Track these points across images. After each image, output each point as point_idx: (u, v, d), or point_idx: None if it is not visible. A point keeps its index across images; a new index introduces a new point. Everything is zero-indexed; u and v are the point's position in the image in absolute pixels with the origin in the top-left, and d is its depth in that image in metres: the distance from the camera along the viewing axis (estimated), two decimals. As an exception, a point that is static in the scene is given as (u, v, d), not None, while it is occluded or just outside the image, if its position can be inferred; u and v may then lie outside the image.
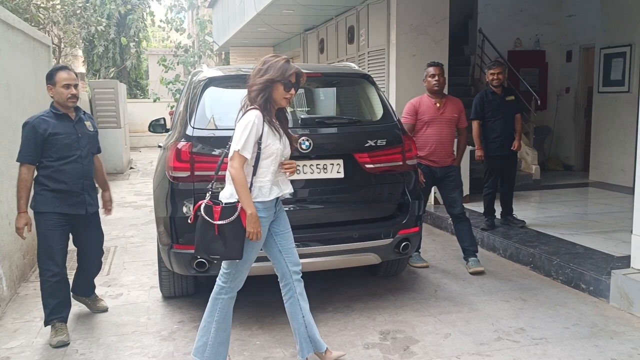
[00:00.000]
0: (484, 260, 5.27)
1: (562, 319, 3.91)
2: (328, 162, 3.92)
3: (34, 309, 4.22)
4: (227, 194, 3.02)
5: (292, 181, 3.80)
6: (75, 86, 3.73)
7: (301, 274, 3.29)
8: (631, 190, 8.10)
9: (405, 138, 4.17)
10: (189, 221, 3.15)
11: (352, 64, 4.98)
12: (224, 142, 3.81)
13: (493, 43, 9.91)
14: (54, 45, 13.38)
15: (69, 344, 3.64)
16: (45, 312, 3.71)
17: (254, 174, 3.01)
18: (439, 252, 5.64)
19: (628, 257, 4.43)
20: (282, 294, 3.32)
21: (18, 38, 5.21)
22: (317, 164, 3.90)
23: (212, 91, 4.05)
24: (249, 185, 2.96)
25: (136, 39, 21.97)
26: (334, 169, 3.93)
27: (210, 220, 2.94)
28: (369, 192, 4.05)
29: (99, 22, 13.21)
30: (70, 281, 3.96)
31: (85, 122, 3.86)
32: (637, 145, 4.12)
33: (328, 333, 3.72)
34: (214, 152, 3.75)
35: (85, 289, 4.17)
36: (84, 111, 3.95)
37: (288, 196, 3.29)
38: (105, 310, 4.19)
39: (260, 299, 4.33)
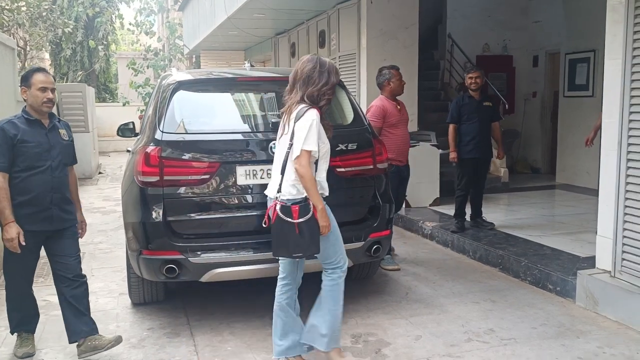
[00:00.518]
0: (455, 262, 5.34)
1: (530, 319, 3.97)
2: (299, 166, 3.91)
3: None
4: (293, 192, 3.11)
5: (261, 186, 3.82)
6: (52, 90, 3.41)
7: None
8: (596, 192, 8.25)
9: (376, 142, 4.19)
10: (264, 225, 3.23)
11: (323, 68, 4.97)
12: (194, 146, 3.81)
13: (462, 48, 10.05)
14: (19, 48, 13.07)
15: (34, 354, 3.53)
16: (10, 324, 3.58)
17: (315, 170, 3.13)
18: (410, 255, 5.68)
19: (593, 258, 4.52)
20: (323, 285, 3.38)
21: (-20, 40, 5.07)
22: (288, 168, 3.88)
23: (181, 95, 4.01)
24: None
25: (105, 42, 21.62)
26: (305, 173, 3.92)
27: (290, 220, 3.04)
28: (340, 195, 4.00)
29: (66, 25, 12.98)
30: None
31: (59, 130, 3.52)
32: (601, 149, 4.20)
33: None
34: (183, 157, 3.72)
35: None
36: (59, 118, 3.64)
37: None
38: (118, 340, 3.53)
39: (232, 304, 4.30)
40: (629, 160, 3.87)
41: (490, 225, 6.02)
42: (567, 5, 8.91)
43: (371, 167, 4.09)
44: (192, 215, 3.78)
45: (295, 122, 3.08)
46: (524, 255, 4.96)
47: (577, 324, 3.85)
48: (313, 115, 3.06)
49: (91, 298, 4.51)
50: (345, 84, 4.57)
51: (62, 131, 3.56)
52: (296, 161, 3.03)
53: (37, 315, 3.69)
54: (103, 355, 3.50)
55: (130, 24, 21.24)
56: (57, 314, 4.19)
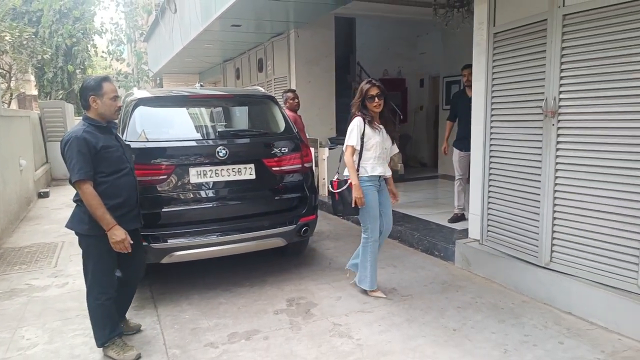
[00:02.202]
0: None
1: (422, 278, 4.00)
2: (242, 166, 3.76)
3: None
4: (344, 173, 3.48)
5: (212, 183, 3.62)
6: (119, 99, 2.84)
7: (389, 232, 3.67)
8: (467, 180, 8.59)
9: (303, 146, 4.09)
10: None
11: (260, 88, 4.81)
12: (154, 151, 3.54)
13: (368, 72, 10.10)
14: (4, 71, 11.92)
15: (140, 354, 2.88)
16: (101, 334, 2.82)
17: (360, 158, 3.40)
18: (332, 232, 5.62)
19: (466, 230, 4.63)
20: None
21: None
22: (232, 168, 3.72)
23: (142, 110, 3.73)
24: (356, 166, 3.40)
25: (82, 67, 20.16)
26: (247, 172, 3.77)
27: (332, 190, 3.50)
28: (276, 189, 3.92)
29: (45, 52, 11.94)
30: None
31: (118, 135, 2.94)
32: (471, 149, 4.29)
33: (245, 304, 3.55)
34: (144, 161, 3.45)
35: (123, 311, 3.12)
36: (115, 123, 2.95)
37: (387, 176, 3.59)
38: (138, 328, 3.18)
39: (189, 280, 4.07)
40: (490, 157, 3.96)
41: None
42: (445, 41, 9.12)
43: (300, 166, 4.00)
44: (153, 209, 3.51)
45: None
46: (417, 230, 5.01)
47: (456, 281, 3.92)
48: (355, 121, 3.40)
49: (68, 280, 4.20)
50: (278, 100, 4.42)
51: (119, 135, 3.01)
52: (345, 152, 3.41)
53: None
54: (77, 327, 3.20)
55: (103, 52, 19.95)
56: (39, 295, 3.83)
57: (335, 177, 3.52)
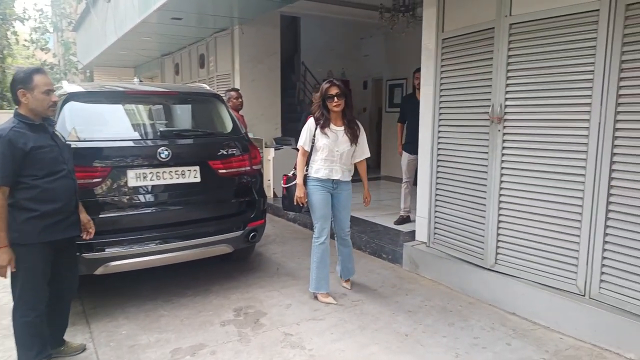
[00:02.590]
0: (310, 239, 5.22)
1: (372, 282, 3.97)
2: (186, 168, 3.51)
3: None
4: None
5: (153, 186, 3.37)
6: (54, 92, 2.54)
7: (347, 234, 3.67)
8: (415, 183, 8.76)
9: (251, 147, 3.91)
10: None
11: (205, 85, 4.57)
12: (86, 152, 3.22)
13: (312, 73, 10.06)
14: None
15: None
16: (27, 356, 2.51)
17: (310, 158, 3.44)
18: (278, 236, 5.48)
19: (412, 232, 4.67)
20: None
21: None
22: (175, 171, 3.47)
23: (72, 105, 3.37)
24: (305, 166, 3.45)
25: (0, 56, 18.46)
26: (192, 175, 3.53)
27: (282, 185, 3.62)
28: (222, 193, 3.72)
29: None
30: None
31: (56, 133, 2.63)
32: (418, 152, 4.32)
33: (189, 315, 3.33)
34: (83, 163, 3.13)
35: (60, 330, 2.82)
36: (53, 121, 2.69)
37: (344, 180, 3.52)
38: (83, 348, 2.88)
39: (126, 291, 3.76)
40: (438, 160, 4.01)
41: None
42: (388, 45, 9.27)
43: (248, 168, 3.81)
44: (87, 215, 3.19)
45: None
46: (364, 233, 5.00)
47: (405, 284, 3.92)
48: (308, 122, 3.44)
49: (-14, 295, 3.73)
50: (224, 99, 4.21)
51: (58, 133, 2.68)
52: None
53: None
54: (-5, 352, 2.82)
55: (25, 40, 18.37)
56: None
57: (291, 172, 3.59)
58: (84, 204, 3.10)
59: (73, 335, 3.04)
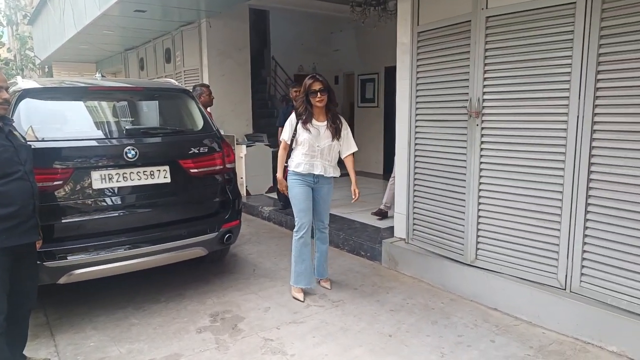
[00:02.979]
0: (289, 239, 5.09)
1: (351, 281, 3.89)
2: (155, 168, 3.32)
3: None
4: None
5: (120, 188, 3.17)
6: (7, 89, 2.38)
7: (326, 227, 3.64)
8: (381, 177, 8.76)
9: (225, 145, 3.75)
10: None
11: (173, 80, 4.36)
12: (45, 153, 2.98)
13: (283, 67, 9.89)
14: None
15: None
16: None
17: (291, 153, 3.44)
18: (254, 235, 5.33)
19: (390, 228, 4.64)
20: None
21: None
22: (144, 171, 3.28)
23: (28, 103, 3.12)
24: (284, 160, 3.47)
25: (-52, 50, 17.36)
26: (161, 175, 3.35)
27: (283, 177, 3.54)
28: (195, 193, 3.54)
29: None
30: None
31: (14, 132, 2.45)
32: (395, 147, 4.27)
33: (162, 323, 3.16)
34: (42, 165, 2.89)
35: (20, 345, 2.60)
36: (10, 119, 2.50)
37: (328, 175, 3.49)
38: None
39: (93, 298, 3.54)
40: (416, 156, 3.95)
41: None
42: (358, 39, 9.21)
43: (221, 167, 3.66)
44: (47, 220, 2.96)
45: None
46: (341, 230, 4.91)
47: (385, 282, 3.86)
48: (290, 116, 3.44)
49: None
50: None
51: (17, 133, 2.47)
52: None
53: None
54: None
55: (-24, 33, 17.35)
56: None
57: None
58: (45, 209, 2.88)
59: (36, 350, 2.83)
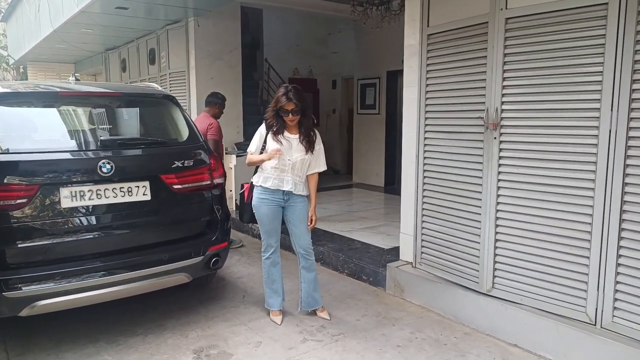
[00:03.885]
0: (283, 260, 4.92)
1: (353, 311, 3.70)
2: (133, 184, 3.14)
3: None
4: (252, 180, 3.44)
5: (93, 207, 2.98)
6: None
7: (309, 252, 3.48)
8: (383, 189, 8.62)
9: (212, 157, 3.57)
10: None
11: (155, 85, 4.19)
12: (7, 167, 2.79)
13: (277, 71, 9.76)
14: None
15: None
16: None
17: (258, 166, 3.37)
18: (244, 256, 5.13)
19: (395, 249, 4.47)
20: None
21: None
22: (120, 187, 3.09)
23: (-3, 110, 2.93)
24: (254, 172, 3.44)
25: None
26: (140, 192, 3.16)
27: (244, 193, 3.53)
28: (178, 212, 3.36)
29: None
30: None
31: None
32: (402, 160, 4.11)
33: (139, 359, 2.95)
34: (5, 181, 2.70)
35: None
36: None
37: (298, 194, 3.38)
38: None
39: (61, 330, 3.32)
40: (425, 171, 3.79)
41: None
42: (358, 41, 9.09)
43: (208, 182, 3.48)
44: (7, 244, 2.76)
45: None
46: (340, 251, 4.73)
47: (390, 312, 3.67)
48: (260, 127, 3.37)
49: None
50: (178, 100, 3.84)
51: None
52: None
53: None
54: None
55: (-54, 30, 17.14)
56: None
57: (252, 179, 3.47)
58: (3, 230, 2.69)
59: (-9, 395, 2.61)
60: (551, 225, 2.96)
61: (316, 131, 3.41)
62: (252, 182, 3.43)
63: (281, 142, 3.26)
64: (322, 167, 3.45)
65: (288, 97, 3.20)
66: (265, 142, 3.31)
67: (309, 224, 3.42)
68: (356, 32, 8.92)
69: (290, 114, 3.22)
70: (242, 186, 3.59)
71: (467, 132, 3.39)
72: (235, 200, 6.61)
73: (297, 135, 3.31)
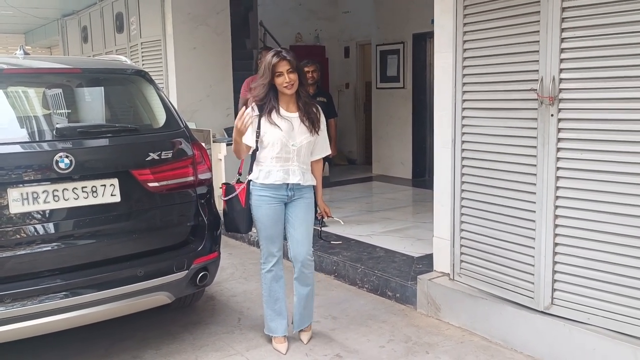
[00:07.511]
0: (286, 272, 4.94)
1: (375, 335, 3.70)
2: (98, 183, 3.18)
3: None
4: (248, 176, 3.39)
5: (51, 212, 3.03)
6: None
7: (308, 262, 3.47)
8: (410, 182, 8.63)
9: (196, 147, 3.60)
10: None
11: (124, 58, 4.20)
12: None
13: (275, 37, 9.76)
14: None
15: None
16: None
17: (253, 159, 3.36)
18: (238, 269, 5.15)
19: (427, 257, 4.49)
20: None
21: None
22: (83, 187, 3.13)
23: None
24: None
25: None
26: (107, 192, 3.21)
27: (222, 197, 3.46)
28: (155, 217, 3.41)
29: None
30: None
31: None
32: (434, 145, 4.09)
33: (111, 402, 2.96)
34: None
35: None
36: None
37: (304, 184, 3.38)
38: None
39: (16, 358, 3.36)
40: (463, 159, 3.78)
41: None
42: (376, -3, 9.05)
43: (192, 178, 3.52)
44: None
45: None
46: (359, 261, 4.73)
47: (423, 336, 3.67)
48: (248, 109, 3.29)
49: None
50: (152, 76, 3.86)
51: None
52: None
53: None
54: None
55: None
56: None
57: (235, 179, 3.49)
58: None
59: None
60: (627, 224, 2.91)
61: (317, 105, 3.44)
62: (248, 182, 3.37)
63: (279, 125, 3.24)
64: (327, 150, 3.52)
65: (280, 55, 3.21)
66: (259, 127, 3.27)
67: (325, 216, 3.53)
68: (373, -14, 8.89)
69: (286, 75, 3.20)
70: (225, 188, 3.49)
71: (517, 108, 3.37)
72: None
73: (297, 114, 3.33)
